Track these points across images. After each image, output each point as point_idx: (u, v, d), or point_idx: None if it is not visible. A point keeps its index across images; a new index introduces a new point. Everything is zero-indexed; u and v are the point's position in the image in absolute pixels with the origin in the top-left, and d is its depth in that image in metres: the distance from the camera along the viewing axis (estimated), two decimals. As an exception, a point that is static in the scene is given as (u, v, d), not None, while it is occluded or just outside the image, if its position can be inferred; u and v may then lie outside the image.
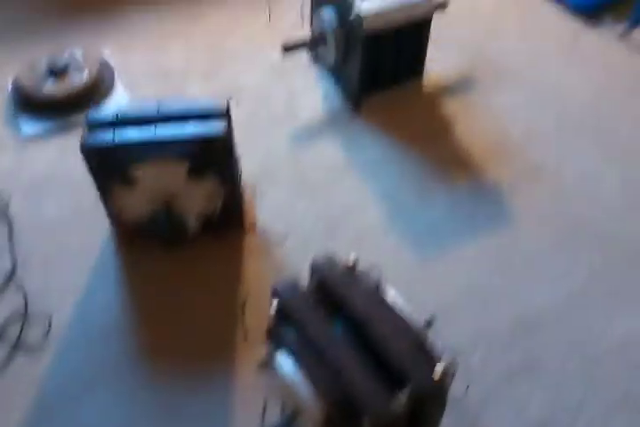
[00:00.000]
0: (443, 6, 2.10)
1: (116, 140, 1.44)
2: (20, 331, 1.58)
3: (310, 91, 2.19)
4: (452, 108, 2.14)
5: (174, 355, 1.56)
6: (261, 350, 1.21)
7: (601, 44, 2.38)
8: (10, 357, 1.54)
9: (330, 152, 2.00)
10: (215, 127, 1.48)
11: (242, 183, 1.73)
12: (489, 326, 1.61)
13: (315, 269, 1.28)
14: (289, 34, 2.25)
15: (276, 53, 2.11)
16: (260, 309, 1.37)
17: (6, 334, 1.58)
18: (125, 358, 1.55)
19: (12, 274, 1.68)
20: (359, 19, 1.87)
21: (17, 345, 1.56)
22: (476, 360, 1.54)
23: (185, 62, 2.28)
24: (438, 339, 1.21)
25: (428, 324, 1.26)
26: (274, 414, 1.36)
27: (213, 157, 1.51)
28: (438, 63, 2.26)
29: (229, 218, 1.70)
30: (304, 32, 2.23)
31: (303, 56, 2.26)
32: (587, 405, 1.48)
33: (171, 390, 1.50)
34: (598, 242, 1.78)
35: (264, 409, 1.37)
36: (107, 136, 1.44)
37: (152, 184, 1.51)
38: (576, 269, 1.72)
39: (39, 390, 1.50)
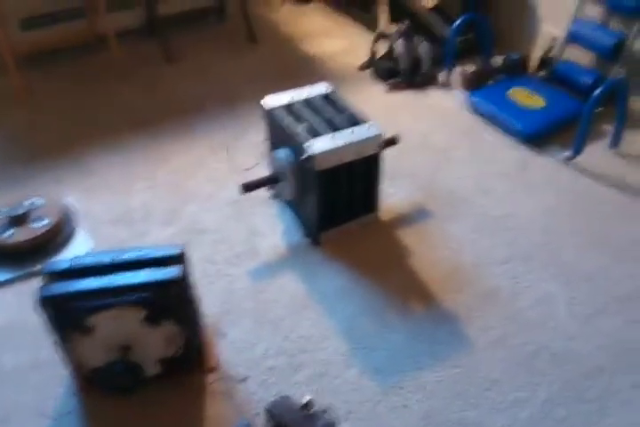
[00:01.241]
0: (392, 142, 2.33)
1: (71, 290, 1.56)
2: None
3: (270, 226, 2.37)
4: (408, 237, 2.31)
5: None
6: None
7: (548, 169, 2.62)
8: None
9: (290, 286, 2.14)
10: (170, 273, 1.61)
11: (202, 324, 1.83)
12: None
13: (270, 413, 1.36)
14: (248, 173, 2.45)
15: (237, 192, 2.28)
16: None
17: None
18: None
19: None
20: (311, 158, 2.06)
21: None
22: None
23: (147, 204, 2.47)
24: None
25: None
26: None
27: (170, 301, 1.62)
28: (393, 194, 2.47)
29: (189, 359, 1.79)
30: (262, 171, 2.44)
31: (262, 193, 2.45)
32: None
33: None
34: (555, 364, 1.88)
35: None
36: (62, 287, 1.56)
37: (109, 332, 1.61)
38: (534, 393, 1.81)
39: None
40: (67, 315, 1.57)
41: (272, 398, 1.39)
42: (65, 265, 1.62)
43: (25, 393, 1.83)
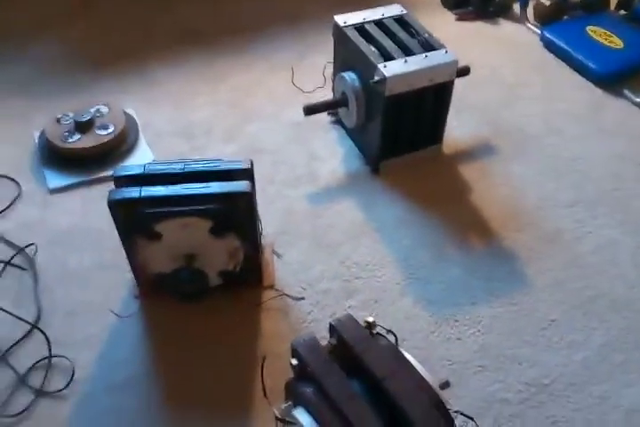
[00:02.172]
0: (465, 72, 2.28)
1: (142, 195, 1.58)
2: (44, 378, 1.71)
3: (330, 152, 2.37)
4: (471, 173, 2.30)
5: (193, 408, 1.68)
6: (279, 406, 1.31)
7: (621, 113, 2.55)
8: (34, 403, 1.67)
9: (348, 212, 2.15)
10: (239, 186, 1.63)
11: (261, 242, 1.87)
12: (501, 391, 1.71)
13: (334, 328, 1.39)
14: (311, 95, 2.44)
15: (298, 114, 2.28)
16: (276, 366, 1.48)
17: (31, 381, 1.71)
18: (146, 408, 1.67)
19: (36, 323, 1.83)
20: (382, 81, 2.03)
21: (41, 392, 1.69)
22: (487, 425, 1.63)
23: (208, 121, 2.47)
24: (451, 401, 1.30)
25: (443, 386, 1.36)
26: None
27: (236, 214, 1.65)
28: (458, 128, 2.44)
29: (248, 275, 1.83)
30: (326, 94, 2.42)
31: (324, 117, 2.44)
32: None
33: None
34: (614, 310, 1.89)
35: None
36: (133, 191, 1.59)
37: (176, 240, 1.65)
38: (591, 337, 1.83)
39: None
40: (135, 219, 1.60)
41: (334, 316, 1.42)
42: (137, 170, 1.65)
43: (89, 292, 1.91)
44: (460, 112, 2.48)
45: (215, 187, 1.62)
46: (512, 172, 2.30)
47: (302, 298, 1.89)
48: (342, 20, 2.25)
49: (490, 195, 2.22)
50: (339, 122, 2.45)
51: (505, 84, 2.68)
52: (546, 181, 2.28)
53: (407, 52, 2.13)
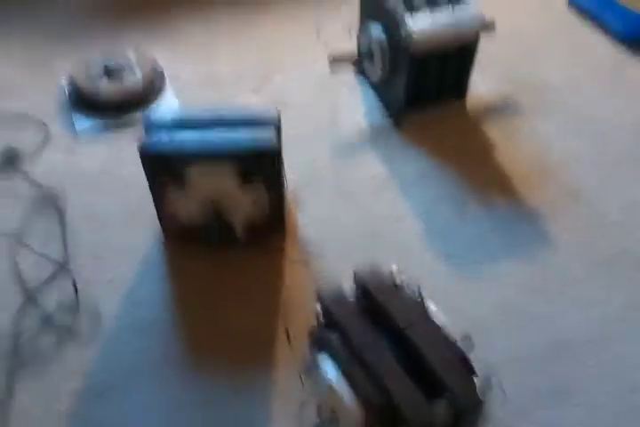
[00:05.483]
0: (490, 28, 2.16)
1: (172, 141, 1.52)
2: (71, 317, 1.68)
3: (353, 105, 2.27)
4: (493, 130, 2.20)
5: (216, 353, 1.65)
6: (302, 354, 1.26)
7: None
8: (60, 343, 1.64)
9: (370, 166, 2.08)
10: (266, 134, 1.56)
11: (285, 191, 1.80)
12: (521, 347, 1.65)
13: (358, 278, 1.33)
14: (335, 47, 2.33)
15: (322, 66, 2.19)
16: (300, 314, 1.42)
17: (57, 322, 1.68)
18: (170, 351, 1.65)
19: (63, 265, 1.79)
20: (408, 38, 1.93)
21: (67, 333, 1.66)
22: (507, 381, 1.56)
23: (232, 72, 2.38)
24: (473, 356, 1.25)
25: (465, 339, 1.30)
26: (311, 416, 1.43)
27: (263, 163, 1.59)
28: (481, 85, 2.33)
29: (272, 225, 1.78)
30: (351, 46, 2.31)
31: (348, 70, 2.34)
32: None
33: (213, 386, 1.58)
34: (636, 270, 1.82)
35: (302, 411, 1.43)
36: (163, 137, 1.53)
37: (203, 186, 1.59)
38: (612, 296, 1.76)
39: (87, 377, 1.59)
40: (164, 164, 1.55)
41: (357, 265, 1.36)
42: (166, 117, 1.58)
43: (117, 234, 1.88)
44: (484, 68, 2.36)
45: (243, 134, 1.54)
46: (535, 129, 2.21)
47: (324, 248, 1.82)
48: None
49: (512, 152, 2.13)
50: (363, 75, 2.34)
51: (529, 42, 2.56)
52: (568, 139, 2.18)
53: (433, 3, 2.01)
